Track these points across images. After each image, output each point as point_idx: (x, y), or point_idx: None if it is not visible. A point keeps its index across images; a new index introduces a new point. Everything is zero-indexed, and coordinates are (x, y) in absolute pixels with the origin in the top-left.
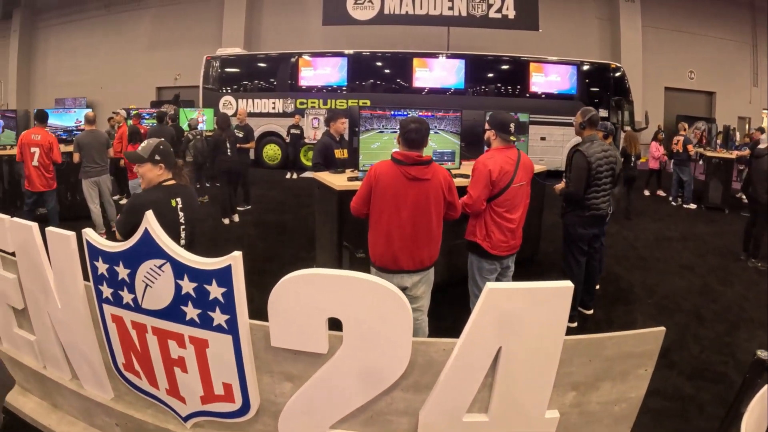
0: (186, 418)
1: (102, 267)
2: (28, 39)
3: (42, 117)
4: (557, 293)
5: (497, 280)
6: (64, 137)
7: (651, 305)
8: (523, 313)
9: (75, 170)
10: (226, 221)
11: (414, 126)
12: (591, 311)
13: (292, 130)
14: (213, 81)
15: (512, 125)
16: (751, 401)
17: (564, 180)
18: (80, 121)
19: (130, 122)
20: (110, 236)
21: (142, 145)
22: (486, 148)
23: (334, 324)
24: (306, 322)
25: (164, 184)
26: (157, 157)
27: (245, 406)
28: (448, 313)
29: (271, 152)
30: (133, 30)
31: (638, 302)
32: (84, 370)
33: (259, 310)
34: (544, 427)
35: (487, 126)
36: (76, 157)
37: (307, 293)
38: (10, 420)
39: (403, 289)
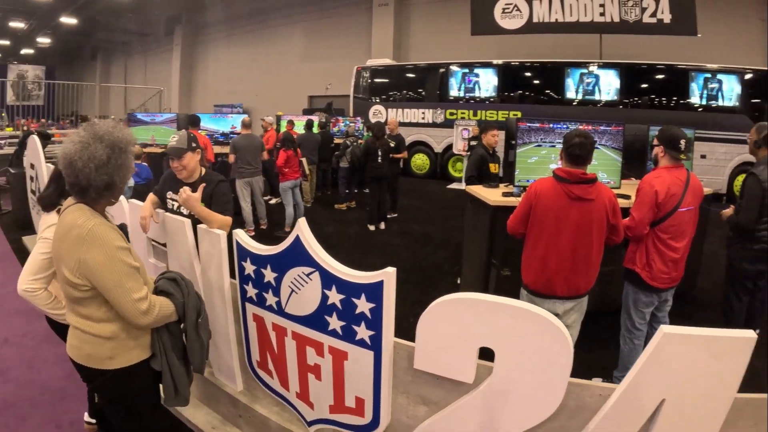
0: (311, 423)
1: (249, 268)
2: (189, 52)
3: (195, 121)
4: (739, 345)
5: (652, 314)
6: (221, 140)
7: None
8: (698, 363)
9: (229, 170)
10: (372, 227)
11: (579, 140)
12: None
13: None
14: (363, 90)
15: (683, 142)
16: None
17: (733, 207)
18: (235, 127)
19: (285, 128)
20: (258, 233)
21: (174, 138)
22: (652, 165)
23: (483, 353)
24: (456, 349)
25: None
26: (194, 144)
27: (374, 423)
28: (594, 345)
29: (420, 162)
30: (286, 43)
31: None
32: (218, 361)
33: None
34: None
35: (655, 141)
36: (231, 158)
37: (462, 319)
38: None
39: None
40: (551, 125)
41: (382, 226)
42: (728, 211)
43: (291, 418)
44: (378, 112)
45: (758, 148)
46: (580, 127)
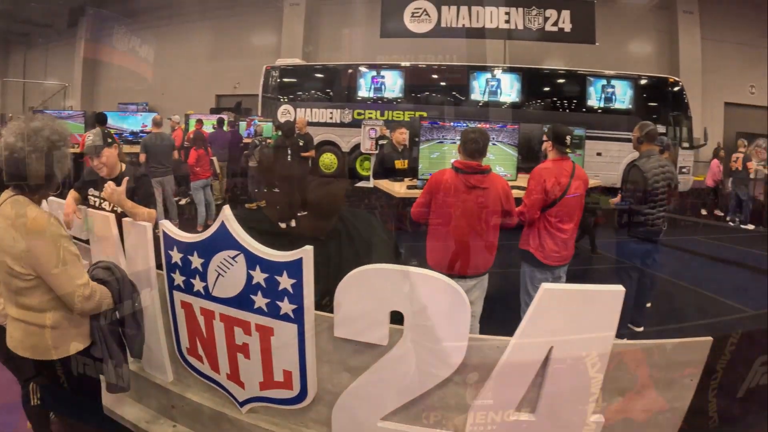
0: (243, 403)
1: (176, 256)
2: (93, 46)
3: (102, 119)
4: (610, 297)
5: None
6: (130, 139)
7: (704, 327)
8: (576, 314)
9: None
10: (283, 225)
11: (474, 136)
12: (641, 329)
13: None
14: (272, 90)
15: (569, 138)
16: None
17: (620, 194)
18: (146, 125)
19: (194, 127)
20: None
21: (89, 137)
22: (543, 159)
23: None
24: (369, 314)
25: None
26: (109, 140)
27: (302, 394)
28: (499, 322)
29: (327, 161)
30: (193, 40)
31: (690, 323)
32: (146, 353)
33: None
34: (589, 431)
35: (544, 138)
36: (142, 158)
37: (374, 286)
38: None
39: None
40: (452, 124)
41: (293, 224)
42: (615, 199)
43: (224, 401)
44: (287, 112)
45: (641, 144)
46: (479, 125)
